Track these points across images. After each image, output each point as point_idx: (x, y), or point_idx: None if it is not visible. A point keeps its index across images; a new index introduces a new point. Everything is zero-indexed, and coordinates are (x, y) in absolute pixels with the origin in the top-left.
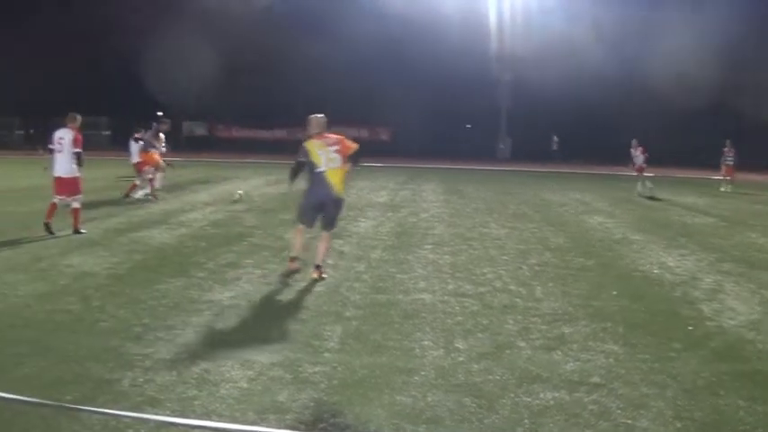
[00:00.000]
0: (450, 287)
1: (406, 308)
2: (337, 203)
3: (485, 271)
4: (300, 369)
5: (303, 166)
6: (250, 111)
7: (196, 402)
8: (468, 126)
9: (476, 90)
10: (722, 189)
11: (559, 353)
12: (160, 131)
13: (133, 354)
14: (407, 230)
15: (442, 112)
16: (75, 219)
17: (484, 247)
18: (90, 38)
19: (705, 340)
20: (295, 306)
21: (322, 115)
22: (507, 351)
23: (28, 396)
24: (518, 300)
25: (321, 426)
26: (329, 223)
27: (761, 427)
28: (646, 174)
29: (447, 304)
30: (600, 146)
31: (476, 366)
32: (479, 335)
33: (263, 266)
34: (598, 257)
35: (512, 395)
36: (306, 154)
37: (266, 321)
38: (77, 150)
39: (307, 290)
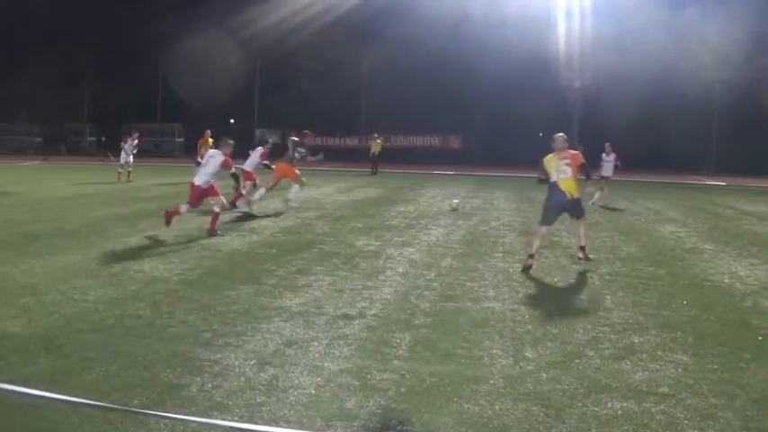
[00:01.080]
0: (520, 295)
1: (476, 316)
2: (576, 203)
3: (555, 280)
4: (369, 376)
5: (544, 177)
6: (322, 118)
7: (264, 408)
8: (541, 134)
9: (547, 97)
10: None
11: (628, 362)
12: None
13: (202, 359)
14: (478, 238)
15: (513, 119)
16: (213, 221)
17: (555, 255)
18: (161, 46)
19: None
20: (364, 313)
21: (563, 134)
22: (576, 360)
23: (96, 400)
24: (588, 309)
25: None
26: (578, 215)
27: None
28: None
29: (516, 312)
30: (669, 153)
31: (544, 375)
32: (548, 344)
33: (334, 273)
34: (669, 267)
35: (580, 404)
36: (542, 166)
37: (335, 328)
38: (218, 171)
39: (376, 297)
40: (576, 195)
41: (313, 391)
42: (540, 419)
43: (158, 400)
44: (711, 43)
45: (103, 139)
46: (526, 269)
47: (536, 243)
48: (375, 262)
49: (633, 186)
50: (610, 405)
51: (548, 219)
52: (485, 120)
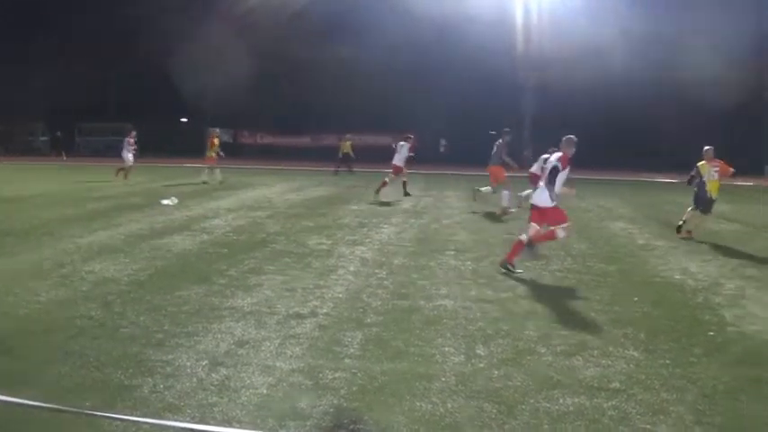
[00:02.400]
0: (472, 293)
1: (428, 314)
2: (713, 200)
3: (506, 277)
4: (321, 375)
5: (694, 179)
6: (274, 118)
7: (216, 409)
8: (493, 132)
9: (500, 96)
10: None
11: (580, 359)
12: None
13: (154, 360)
14: (430, 237)
15: (465, 118)
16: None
17: (506, 253)
18: (118, 41)
19: (726, 346)
20: (316, 312)
21: (711, 147)
22: (528, 357)
23: (48, 402)
24: (539, 306)
25: None
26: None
27: None
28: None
29: (469, 310)
30: (627, 151)
31: (496, 372)
32: (500, 341)
33: (286, 273)
34: (620, 263)
35: (531, 401)
36: (698, 170)
37: (287, 328)
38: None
39: (328, 296)
40: (714, 195)
41: (265, 391)
42: (493, 416)
43: (110, 402)
44: (665, 40)
45: (59, 133)
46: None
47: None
48: (327, 261)
49: (585, 184)
50: (561, 401)
51: (703, 208)
52: (438, 119)
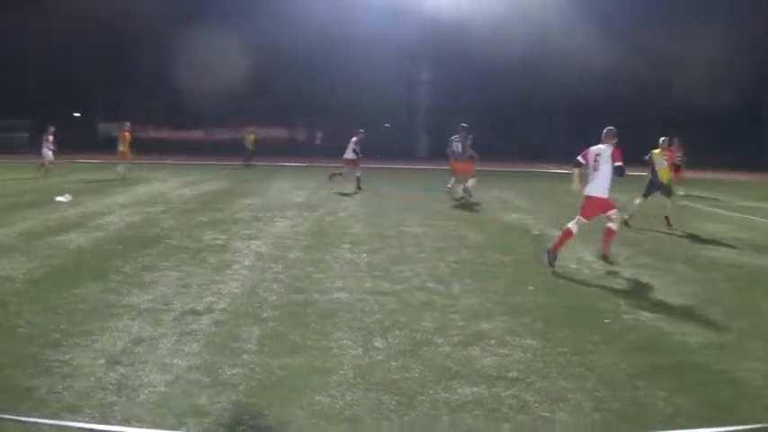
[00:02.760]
0: (368, 285)
1: (324, 307)
2: (667, 185)
3: (402, 269)
4: (219, 372)
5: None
6: (167, 112)
7: (116, 408)
8: (387, 125)
9: (394, 89)
10: (679, 192)
11: (477, 349)
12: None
13: (51, 360)
14: (325, 230)
15: (361, 110)
16: (606, 242)
17: (401, 245)
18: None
19: (623, 333)
20: (212, 308)
21: (666, 138)
22: (425, 348)
23: None
24: (436, 297)
25: (241, 428)
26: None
27: (679, 417)
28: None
29: (365, 303)
30: (520, 143)
31: (394, 364)
32: (397, 332)
33: (181, 269)
34: (515, 254)
35: (430, 392)
36: (651, 158)
37: (183, 324)
38: (618, 164)
39: (224, 292)
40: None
41: (164, 389)
42: (392, 408)
43: (9, 404)
44: (557, 35)
45: None
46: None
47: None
48: (222, 256)
49: (480, 176)
50: (460, 391)
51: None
52: (332, 111)
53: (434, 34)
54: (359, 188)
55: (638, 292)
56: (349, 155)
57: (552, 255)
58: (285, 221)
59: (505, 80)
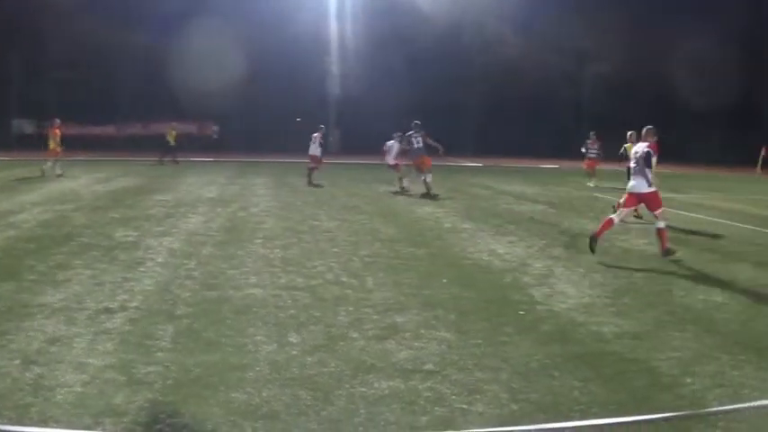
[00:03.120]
0: (282, 281)
1: (238, 303)
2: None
3: (316, 264)
4: (134, 370)
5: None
6: (81, 107)
7: (33, 409)
8: (299, 119)
9: (305, 82)
10: (589, 184)
11: (392, 342)
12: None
13: None
14: (238, 225)
15: (270, 104)
16: (663, 239)
17: (315, 240)
18: None
19: (537, 324)
20: (126, 306)
21: (634, 132)
22: (341, 342)
23: None
24: (350, 291)
25: (158, 427)
26: None
27: (595, 406)
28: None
29: (279, 298)
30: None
31: (310, 359)
32: (312, 327)
33: (94, 266)
34: (428, 247)
35: (347, 386)
36: (625, 151)
37: (98, 323)
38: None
39: (137, 289)
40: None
41: (80, 389)
42: (309, 403)
43: None
44: (471, 29)
45: None
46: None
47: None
48: (135, 253)
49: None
50: (377, 385)
51: None
52: (242, 106)
53: (347, 27)
54: (310, 183)
55: (551, 283)
56: (314, 151)
57: (595, 239)
58: (197, 217)
59: (417, 74)
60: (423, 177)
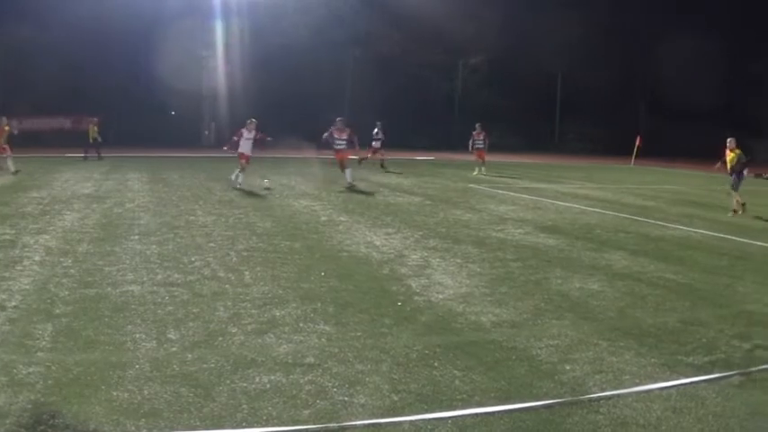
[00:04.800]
0: (159, 277)
1: (116, 301)
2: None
3: (193, 259)
4: (15, 371)
5: None
6: None
7: None
8: (173, 113)
9: (179, 76)
10: (475, 174)
11: (272, 336)
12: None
13: None
14: (114, 221)
15: (146, 99)
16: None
17: (191, 235)
18: None
19: (416, 315)
20: (4, 306)
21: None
22: (220, 338)
23: None
24: (228, 286)
25: (41, 428)
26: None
27: (477, 395)
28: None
29: (157, 295)
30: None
31: (189, 356)
32: (191, 323)
33: None
34: (305, 240)
35: (228, 382)
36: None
37: None
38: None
39: (15, 288)
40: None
41: None
42: (191, 400)
43: None
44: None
45: None
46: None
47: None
48: (11, 251)
49: (267, 163)
50: (258, 379)
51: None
52: (118, 100)
53: (223, 18)
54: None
55: (429, 274)
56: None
57: None
58: (74, 214)
59: (293, 67)
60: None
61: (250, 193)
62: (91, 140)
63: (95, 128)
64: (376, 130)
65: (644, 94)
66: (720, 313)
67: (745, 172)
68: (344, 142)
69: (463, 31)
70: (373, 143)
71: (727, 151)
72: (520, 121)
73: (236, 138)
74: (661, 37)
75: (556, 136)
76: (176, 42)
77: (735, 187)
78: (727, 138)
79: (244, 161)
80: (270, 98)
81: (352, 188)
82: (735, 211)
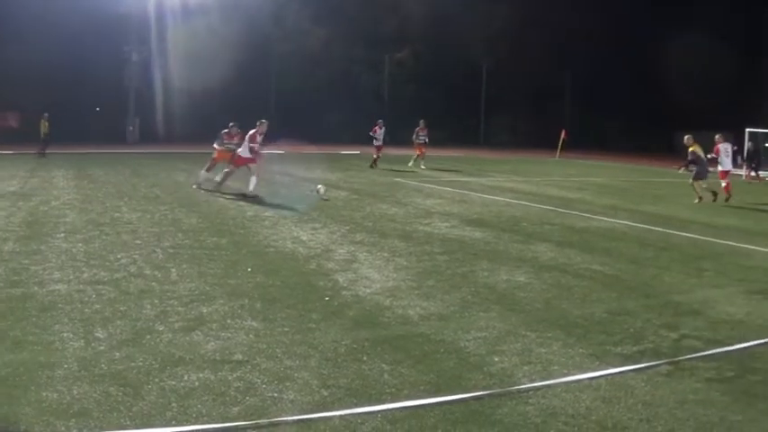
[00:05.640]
0: (86, 275)
1: (43, 300)
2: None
3: (119, 257)
4: None
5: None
6: None
7: None
8: (98, 109)
9: (103, 71)
10: (411, 165)
11: (200, 333)
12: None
13: None
14: (39, 219)
15: (69, 94)
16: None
17: (117, 232)
18: None
19: (343, 309)
20: None
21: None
22: (148, 336)
23: None
24: (154, 284)
25: None
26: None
27: (406, 388)
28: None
29: (83, 293)
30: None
31: (118, 354)
32: (118, 322)
33: None
34: (231, 236)
35: (157, 380)
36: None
37: None
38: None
39: None
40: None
41: None
42: (120, 399)
43: None
44: (272, 19)
45: None
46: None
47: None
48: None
49: (190, 157)
50: (186, 377)
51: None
52: (41, 96)
53: (143, 12)
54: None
55: (356, 269)
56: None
57: None
58: None
59: (219, 63)
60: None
61: (175, 189)
62: (42, 136)
63: (46, 123)
64: (419, 128)
65: (570, 88)
66: (647, 303)
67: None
68: (234, 145)
69: (388, 25)
70: (418, 139)
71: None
72: (447, 114)
73: (253, 144)
74: (586, 30)
75: (482, 129)
76: (99, 37)
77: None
78: (684, 136)
79: (238, 164)
80: (198, 95)
81: (278, 183)
82: (701, 198)
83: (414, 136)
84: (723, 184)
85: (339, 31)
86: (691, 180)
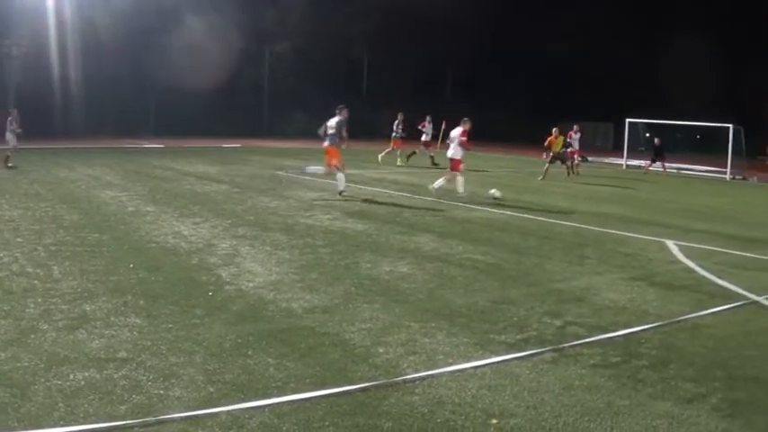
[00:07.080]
0: None
1: None
2: None
3: (0, 255)
4: None
5: None
6: None
7: None
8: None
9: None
10: (380, 156)
11: (84, 332)
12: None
13: None
14: None
15: None
16: None
17: None
18: None
19: (227, 304)
20: None
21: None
22: (32, 335)
23: None
24: (36, 282)
25: None
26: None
27: (292, 381)
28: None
29: None
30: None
31: (3, 355)
32: (2, 321)
33: None
34: (113, 232)
35: (43, 380)
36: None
37: None
38: None
39: None
40: None
41: None
42: (6, 400)
43: None
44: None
45: None
46: None
47: None
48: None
49: (71, 153)
50: (72, 377)
51: None
52: None
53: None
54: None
55: (238, 263)
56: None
57: None
58: None
59: (95, 55)
60: None
61: (56, 185)
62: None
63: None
64: (396, 122)
65: (452, 78)
66: (530, 292)
67: (566, 152)
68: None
69: (266, 18)
70: (394, 134)
71: (553, 138)
72: (328, 107)
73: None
74: (465, 25)
75: (365, 121)
76: None
77: (564, 161)
78: (553, 127)
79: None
80: (87, 89)
81: (159, 177)
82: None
83: (393, 130)
84: (575, 161)
85: (217, 22)
86: (547, 163)
